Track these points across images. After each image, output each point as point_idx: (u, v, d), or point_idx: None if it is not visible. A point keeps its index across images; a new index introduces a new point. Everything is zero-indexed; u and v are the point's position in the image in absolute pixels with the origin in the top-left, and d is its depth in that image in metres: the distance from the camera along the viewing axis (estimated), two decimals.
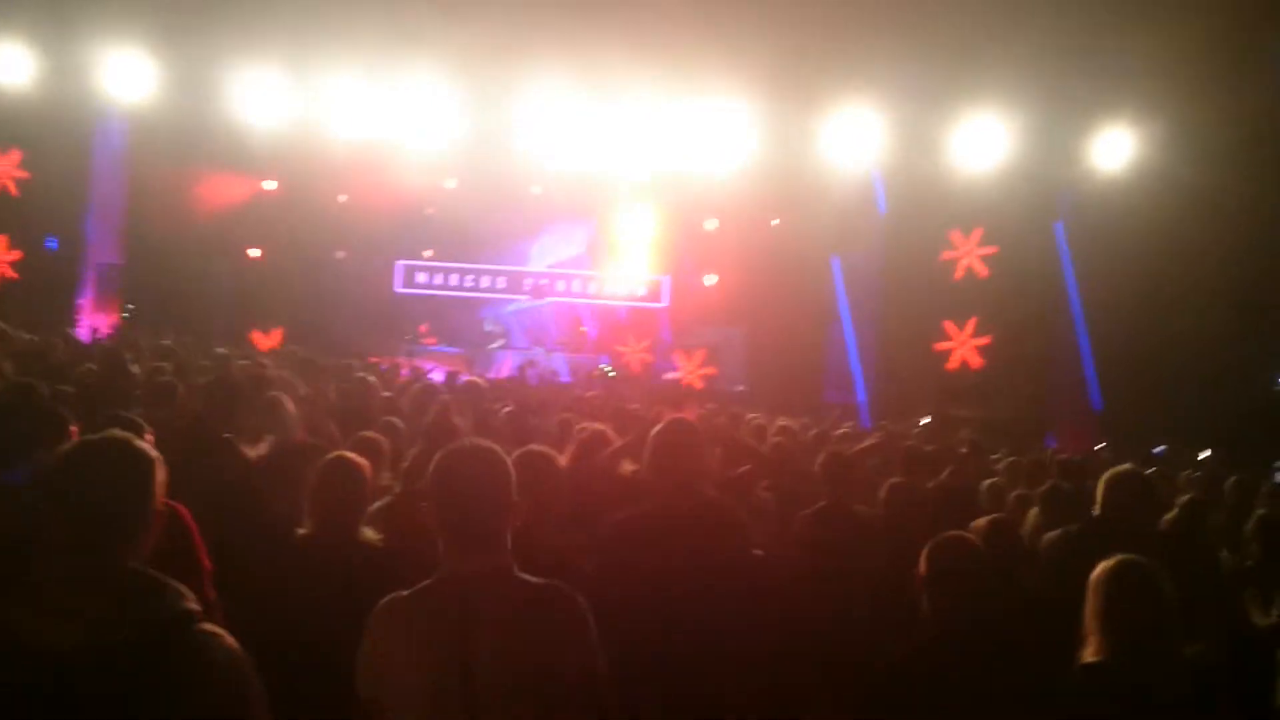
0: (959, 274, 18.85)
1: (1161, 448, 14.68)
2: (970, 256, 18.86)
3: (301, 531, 3.57)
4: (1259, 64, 15.12)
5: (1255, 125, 15.26)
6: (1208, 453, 14.55)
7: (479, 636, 2.42)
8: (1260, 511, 5.43)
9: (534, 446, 3.86)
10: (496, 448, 2.66)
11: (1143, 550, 3.19)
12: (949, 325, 19.29)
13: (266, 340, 19.44)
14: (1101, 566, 3.13)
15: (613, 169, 19.24)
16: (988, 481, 6.69)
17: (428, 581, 2.54)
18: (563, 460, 4.20)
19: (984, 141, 17.11)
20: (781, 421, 8.76)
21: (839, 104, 17.08)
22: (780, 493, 5.57)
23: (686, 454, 3.57)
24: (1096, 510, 4.39)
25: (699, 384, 20.57)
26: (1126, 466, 4.66)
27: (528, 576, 2.55)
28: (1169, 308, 16.93)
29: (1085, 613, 3.10)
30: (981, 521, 4.42)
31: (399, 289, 22.35)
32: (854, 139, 17.26)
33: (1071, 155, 17.30)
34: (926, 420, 17.02)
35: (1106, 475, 4.45)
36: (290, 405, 5.52)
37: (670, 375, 20.94)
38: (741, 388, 20.38)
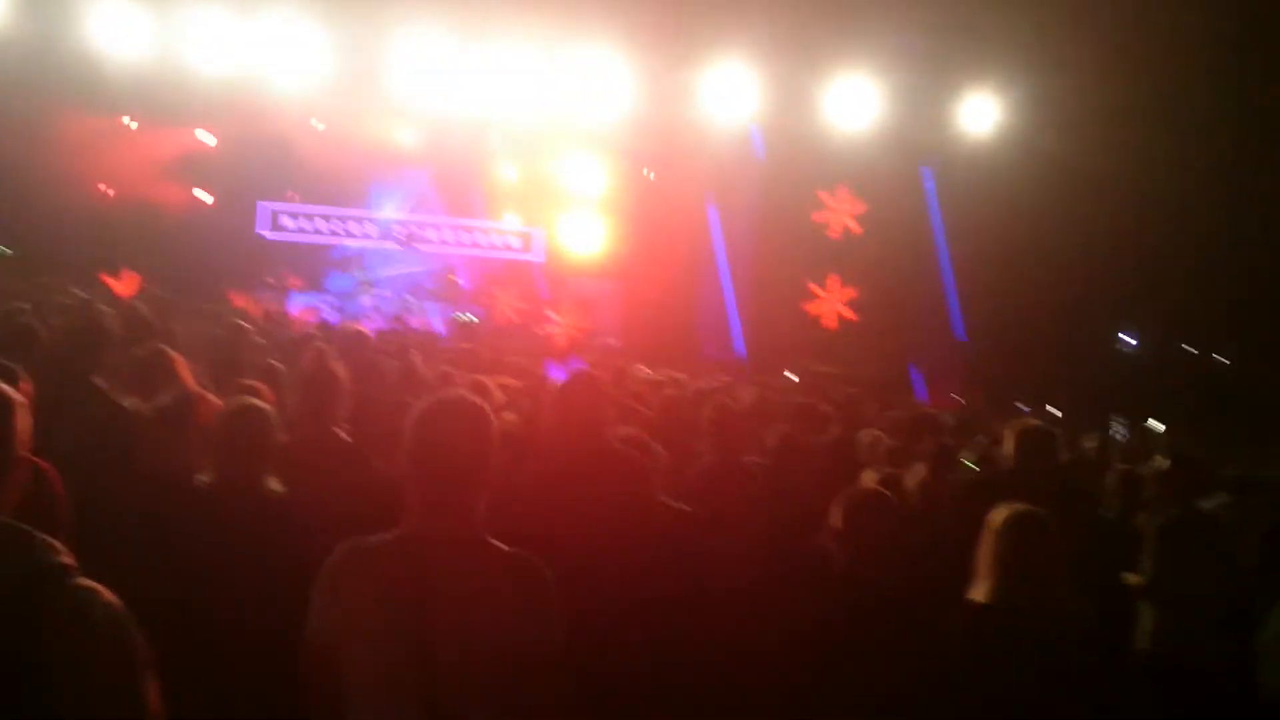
0: (835, 232, 19.21)
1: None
2: (843, 215, 19.23)
3: (202, 480, 3.42)
4: (1121, 39, 15.70)
5: (1114, 97, 15.93)
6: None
7: (440, 607, 2.30)
8: (1121, 467, 5.73)
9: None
10: (484, 404, 2.54)
11: (1041, 502, 3.32)
12: (813, 286, 19.70)
13: (119, 284, 18.55)
14: (999, 513, 3.30)
15: (487, 118, 18.90)
16: (867, 432, 6.81)
17: (387, 536, 2.40)
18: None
19: (856, 100, 17.40)
20: (671, 375, 8.81)
21: (716, 58, 17.11)
22: (671, 447, 5.60)
23: (594, 408, 3.55)
24: (1008, 462, 4.62)
25: (574, 337, 20.50)
26: (1035, 422, 4.95)
27: (499, 544, 2.43)
28: (1028, 269, 17.61)
29: (980, 555, 3.28)
30: (872, 474, 4.53)
31: (262, 232, 21.60)
32: (731, 92, 17.33)
33: (940, 118, 17.73)
34: (793, 378, 17.45)
35: (1017, 428, 4.69)
36: (176, 355, 5.28)
37: (545, 328, 20.80)
38: (613, 340, 20.38)
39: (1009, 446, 4.62)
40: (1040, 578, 3.18)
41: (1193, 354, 21.44)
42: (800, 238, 19.08)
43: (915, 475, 5.15)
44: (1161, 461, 6.34)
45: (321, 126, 20.16)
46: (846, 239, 19.35)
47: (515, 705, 2.32)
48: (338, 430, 4.34)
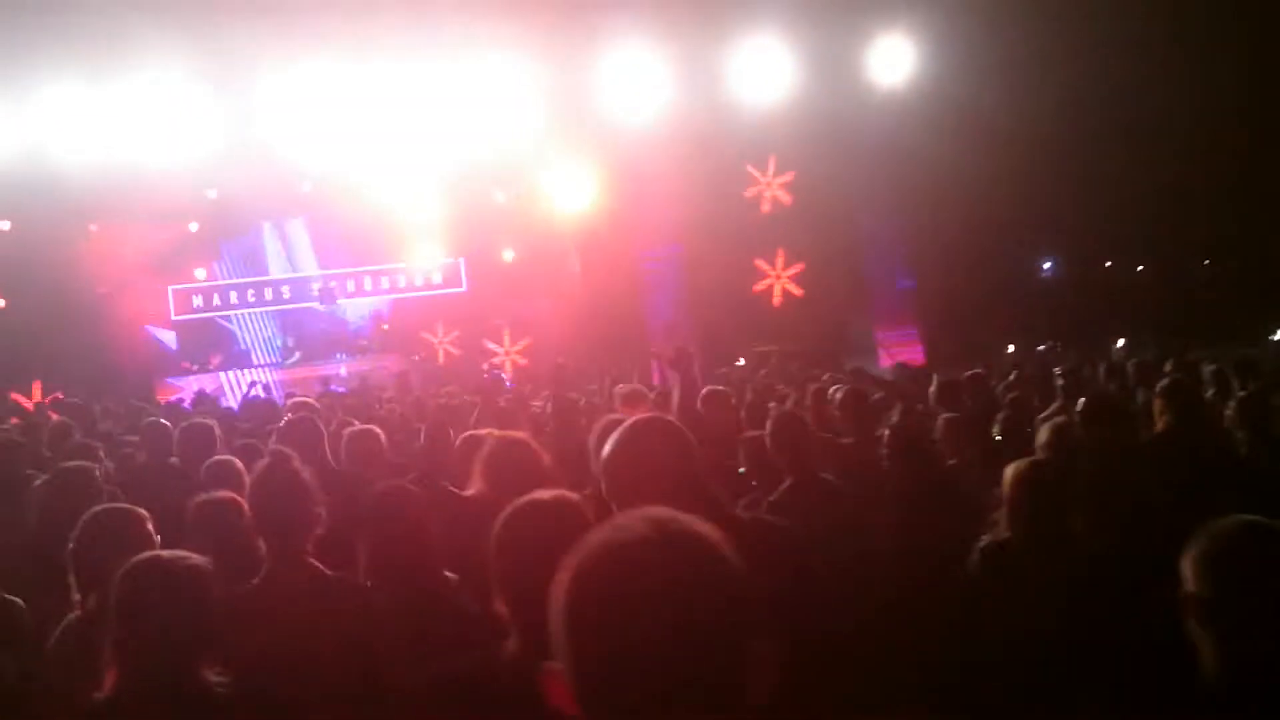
0: (765, 207, 18.63)
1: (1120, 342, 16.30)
2: (771, 187, 18.65)
3: None
4: None
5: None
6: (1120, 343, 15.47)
7: None
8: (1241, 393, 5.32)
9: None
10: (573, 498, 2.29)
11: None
12: (759, 263, 19.10)
13: (29, 399, 17.30)
14: (1014, 465, 3.64)
15: (386, 152, 17.91)
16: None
17: None
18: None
19: (767, 68, 16.82)
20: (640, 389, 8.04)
21: (620, 44, 16.42)
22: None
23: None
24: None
25: (519, 363, 19.67)
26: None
27: None
28: (955, 210, 17.28)
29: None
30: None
31: (176, 317, 20.48)
32: (639, 76, 16.64)
33: (853, 72, 17.22)
34: (740, 362, 16.81)
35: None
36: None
37: (490, 362, 19.90)
38: (561, 360, 19.46)
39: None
40: (1047, 521, 3.51)
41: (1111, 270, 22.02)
42: (735, 217, 18.45)
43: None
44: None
45: (213, 194, 19.09)
46: (780, 212, 18.78)
47: None
48: None
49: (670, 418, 2.86)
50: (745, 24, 16.31)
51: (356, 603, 3.09)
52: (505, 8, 14.46)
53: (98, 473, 4.64)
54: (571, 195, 18.66)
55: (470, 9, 14.37)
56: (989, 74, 15.88)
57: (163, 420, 6.75)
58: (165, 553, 2.78)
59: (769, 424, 4.58)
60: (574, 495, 2.32)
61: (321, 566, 3.15)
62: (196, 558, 2.69)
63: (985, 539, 3.64)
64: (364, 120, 16.73)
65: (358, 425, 5.85)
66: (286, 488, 3.21)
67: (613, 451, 2.48)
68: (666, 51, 16.47)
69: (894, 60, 17.15)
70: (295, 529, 3.16)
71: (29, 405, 16.57)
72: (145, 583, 2.58)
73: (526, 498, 2.26)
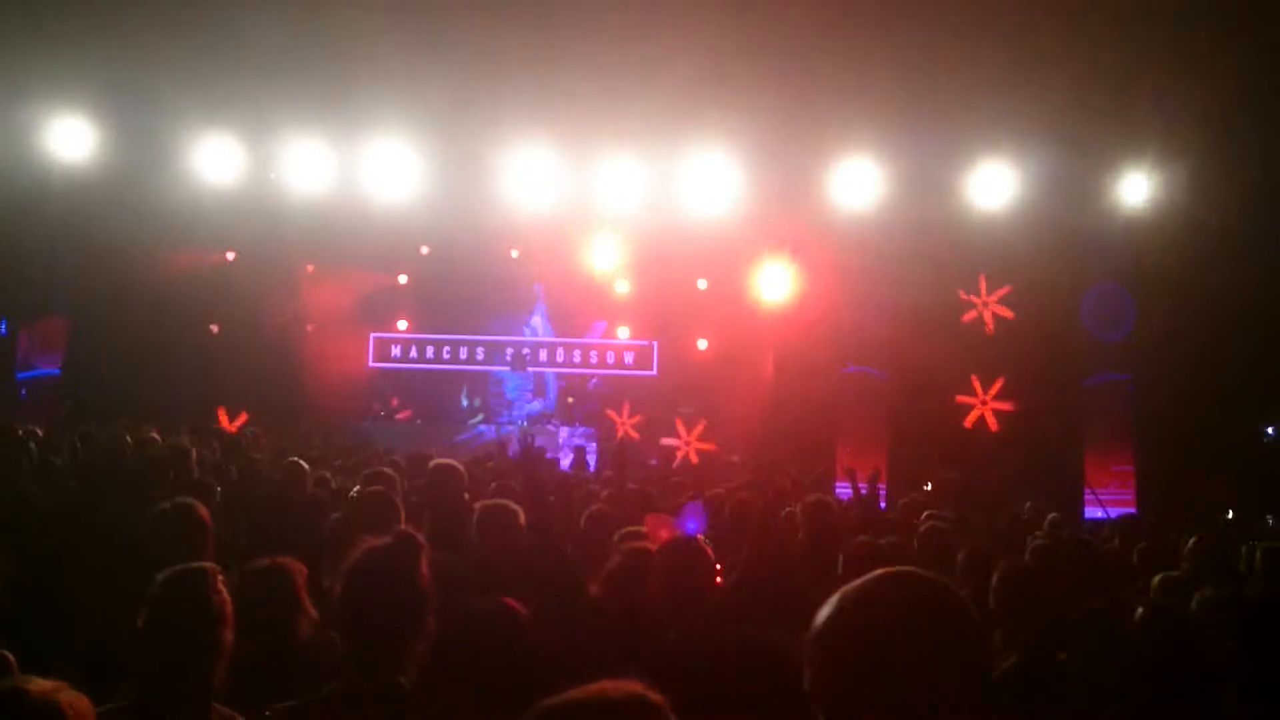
0: (989, 327, 17.55)
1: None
2: (989, 306, 17.58)
3: None
4: None
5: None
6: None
7: None
8: None
9: None
10: None
11: None
12: (969, 394, 17.95)
13: (231, 423, 17.91)
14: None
15: (593, 229, 17.95)
16: None
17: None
18: None
19: (996, 186, 16.05)
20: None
21: (841, 153, 16.02)
22: None
23: None
24: None
25: (693, 457, 19.09)
26: None
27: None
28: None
29: None
30: None
31: (372, 364, 20.98)
32: (860, 185, 16.16)
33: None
34: (928, 487, 15.67)
35: None
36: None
37: (666, 441, 19.42)
38: (736, 458, 18.84)
39: None
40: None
41: None
42: (953, 337, 17.43)
43: None
44: None
45: (426, 250, 19.62)
46: (994, 334, 17.64)
47: None
48: None
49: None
50: (977, 142, 15.63)
51: None
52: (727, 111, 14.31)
53: None
54: (776, 293, 18.14)
55: (694, 106, 14.30)
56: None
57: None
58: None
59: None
60: None
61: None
62: None
63: None
64: (576, 194, 16.86)
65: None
66: None
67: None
68: (892, 155, 15.94)
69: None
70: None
71: (231, 428, 17.22)
72: None
73: None
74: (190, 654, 2.82)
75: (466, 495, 5.57)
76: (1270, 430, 19.56)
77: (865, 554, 4.27)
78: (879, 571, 1.71)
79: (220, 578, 2.97)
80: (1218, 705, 3.30)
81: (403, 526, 3.26)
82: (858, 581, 1.70)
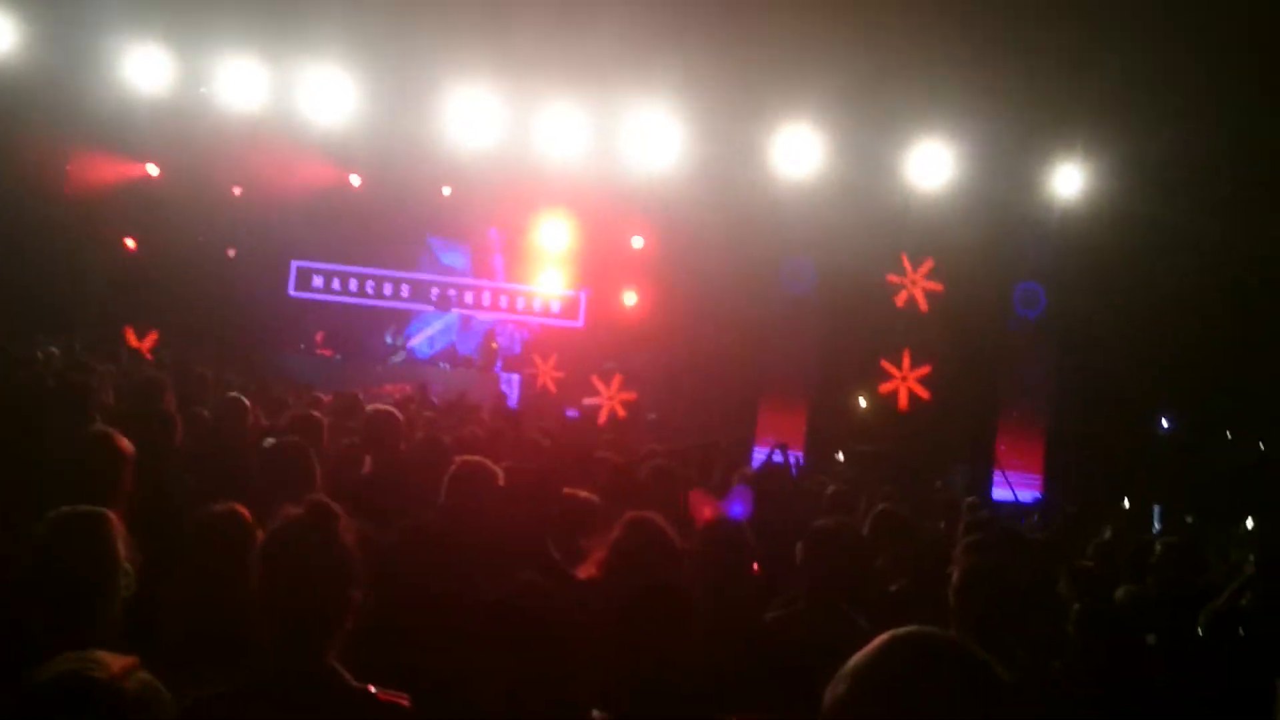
0: (901, 301, 17.76)
1: None
2: (918, 286, 17.77)
3: None
4: None
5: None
6: None
7: None
8: None
9: None
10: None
11: None
12: (886, 364, 18.16)
13: (140, 342, 17.43)
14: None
15: (531, 175, 17.67)
16: None
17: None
18: None
19: (935, 164, 16.15)
20: None
21: (784, 120, 15.97)
22: None
23: None
24: None
25: (619, 411, 19.07)
26: None
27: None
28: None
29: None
30: None
31: (293, 293, 20.50)
32: (800, 153, 16.15)
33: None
34: (839, 457, 15.87)
35: None
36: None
37: (588, 401, 19.36)
38: (653, 416, 18.88)
39: None
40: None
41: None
42: (873, 308, 17.62)
43: None
44: None
45: (357, 181, 19.22)
46: (912, 312, 17.86)
47: None
48: None
49: None
50: (915, 120, 15.71)
51: None
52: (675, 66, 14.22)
53: None
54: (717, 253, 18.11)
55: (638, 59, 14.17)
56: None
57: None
58: None
59: None
60: None
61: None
62: None
63: None
64: (513, 141, 16.61)
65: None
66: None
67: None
68: (831, 129, 15.95)
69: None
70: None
71: (140, 347, 16.78)
72: None
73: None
74: (315, 610, 2.49)
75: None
76: (1164, 423, 19.91)
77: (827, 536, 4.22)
78: (886, 637, 1.49)
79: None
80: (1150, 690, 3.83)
81: (317, 492, 3.10)
82: (866, 652, 1.49)
